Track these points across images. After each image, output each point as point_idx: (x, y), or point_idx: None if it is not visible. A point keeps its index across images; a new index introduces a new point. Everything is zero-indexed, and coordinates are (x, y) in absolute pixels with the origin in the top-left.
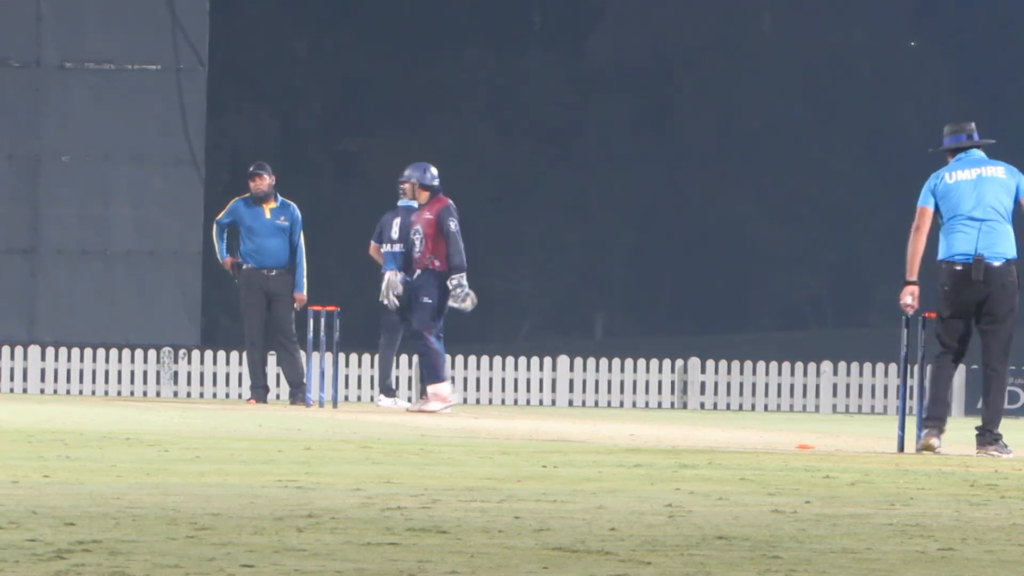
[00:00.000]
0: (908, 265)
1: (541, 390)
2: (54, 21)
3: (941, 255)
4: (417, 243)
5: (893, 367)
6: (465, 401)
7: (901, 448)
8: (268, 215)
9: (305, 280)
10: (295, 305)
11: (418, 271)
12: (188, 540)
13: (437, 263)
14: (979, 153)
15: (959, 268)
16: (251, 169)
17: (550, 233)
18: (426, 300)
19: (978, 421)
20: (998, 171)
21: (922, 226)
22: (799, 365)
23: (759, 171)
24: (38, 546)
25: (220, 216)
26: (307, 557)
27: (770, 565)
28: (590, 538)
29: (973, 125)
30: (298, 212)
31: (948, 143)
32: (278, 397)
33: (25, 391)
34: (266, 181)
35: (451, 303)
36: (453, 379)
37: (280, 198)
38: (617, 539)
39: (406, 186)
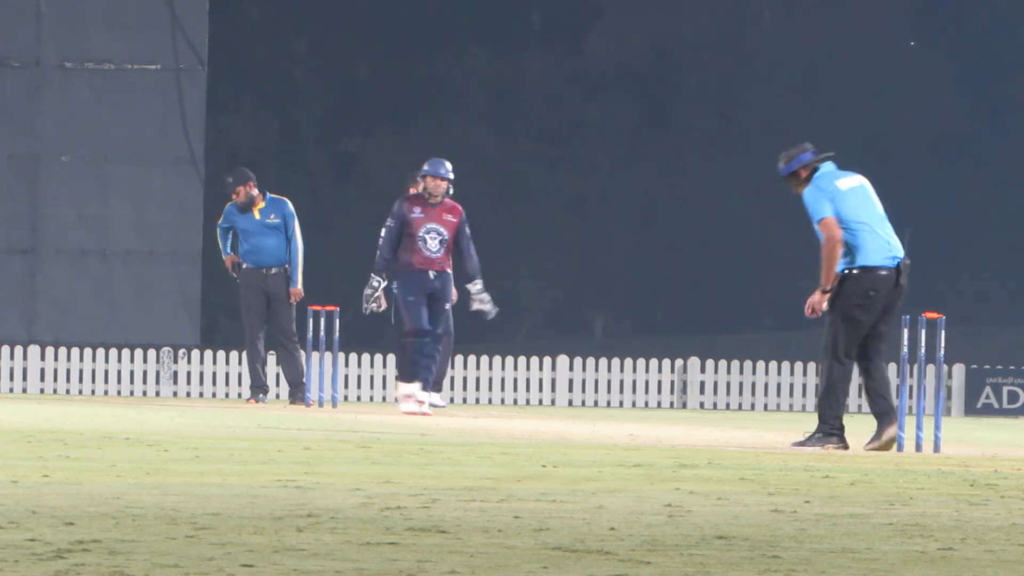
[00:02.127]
0: (829, 275)
1: (541, 390)
2: (54, 21)
3: (858, 262)
4: (439, 244)
5: (893, 367)
6: (465, 401)
7: (901, 448)
8: (257, 216)
9: (300, 275)
10: (292, 300)
11: (437, 272)
12: (188, 540)
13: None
14: (832, 164)
15: (884, 273)
16: (226, 187)
17: (550, 233)
18: (448, 305)
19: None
20: (865, 180)
21: (839, 234)
22: (799, 365)
23: (759, 171)
24: (38, 546)
25: (220, 221)
26: (307, 557)
27: (770, 565)
28: (590, 538)
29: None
30: (290, 207)
31: (803, 160)
32: (278, 397)
33: (25, 391)
34: (242, 192)
35: (482, 307)
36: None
37: (269, 196)
38: (617, 539)
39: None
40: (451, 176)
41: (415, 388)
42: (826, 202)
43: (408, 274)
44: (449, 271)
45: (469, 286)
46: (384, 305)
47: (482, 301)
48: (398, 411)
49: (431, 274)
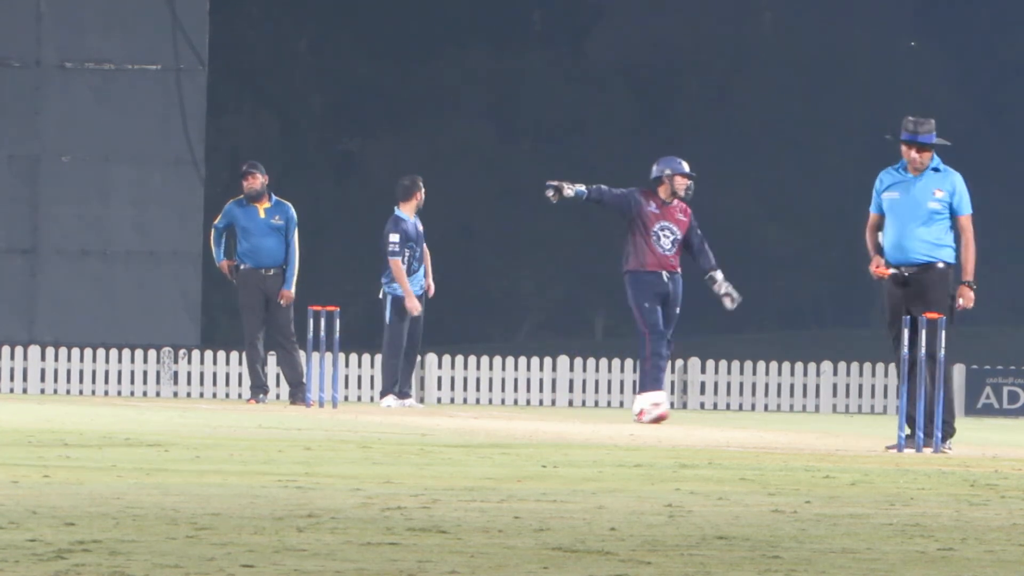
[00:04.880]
0: (972, 269)
1: (541, 390)
2: (54, 21)
3: (953, 258)
4: (672, 243)
5: (893, 367)
6: (465, 401)
7: (901, 448)
8: (262, 215)
9: (294, 279)
10: (282, 302)
11: (670, 272)
12: (188, 540)
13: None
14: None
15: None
16: (243, 168)
17: (550, 233)
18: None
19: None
20: None
21: None
22: (799, 365)
23: (759, 171)
24: (38, 546)
25: (217, 221)
26: (307, 557)
27: (770, 565)
28: (590, 538)
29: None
30: (293, 211)
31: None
32: (278, 397)
33: (25, 391)
34: (259, 180)
35: (730, 292)
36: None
37: (275, 197)
38: (617, 539)
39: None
40: (694, 174)
41: (661, 396)
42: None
43: (641, 275)
44: (679, 272)
45: (714, 274)
46: (556, 199)
47: (729, 288)
48: (640, 422)
49: (664, 275)
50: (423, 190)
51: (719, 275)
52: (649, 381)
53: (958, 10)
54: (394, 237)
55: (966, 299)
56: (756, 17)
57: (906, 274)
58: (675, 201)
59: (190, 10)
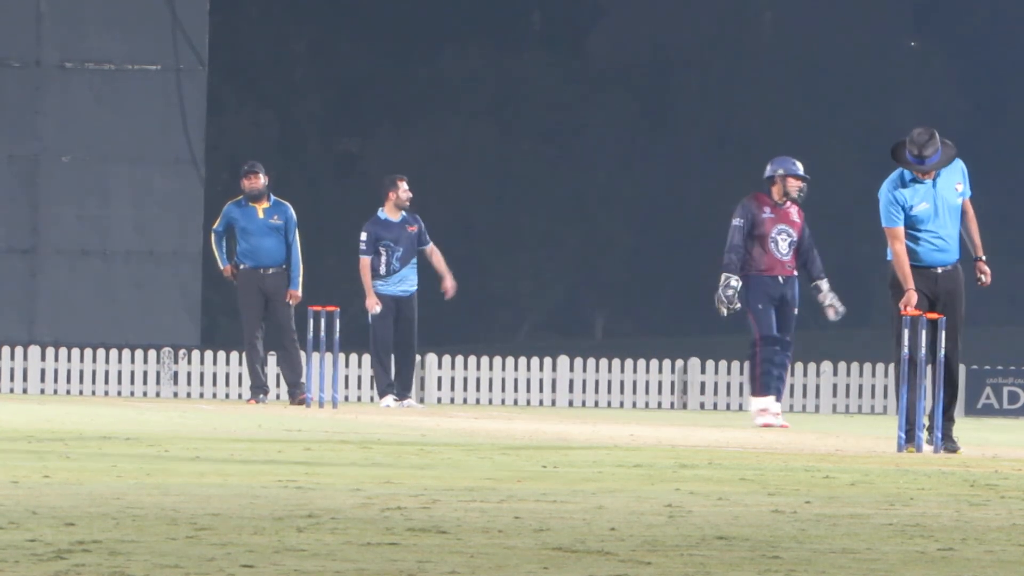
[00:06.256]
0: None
1: (541, 390)
2: (54, 21)
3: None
4: (788, 246)
5: (892, 367)
6: (465, 401)
7: (901, 448)
8: (261, 215)
9: (300, 279)
10: (290, 302)
11: (786, 276)
12: (188, 540)
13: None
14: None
15: None
16: (244, 168)
17: (550, 233)
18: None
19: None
20: None
21: None
22: (799, 365)
23: (759, 171)
24: (38, 546)
25: (216, 225)
26: (307, 557)
27: (770, 565)
28: (590, 538)
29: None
30: (292, 211)
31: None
32: (278, 397)
33: (25, 391)
34: (260, 180)
35: (834, 304)
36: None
37: (274, 198)
38: (617, 539)
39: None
40: (808, 176)
41: (769, 402)
42: None
43: (756, 279)
44: (795, 275)
45: (820, 283)
46: (739, 305)
47: (833, 299)
48: (754, 425)
49: (780, 279)
50: (401, 188)
51: (824, 285)
52: (758, 387)
53: (958, 10)
54: (363, 236)
55: (987, 275)
56: (756, 17)
57: (939, 271)
58: (788, 203)
59: (190, 10)
